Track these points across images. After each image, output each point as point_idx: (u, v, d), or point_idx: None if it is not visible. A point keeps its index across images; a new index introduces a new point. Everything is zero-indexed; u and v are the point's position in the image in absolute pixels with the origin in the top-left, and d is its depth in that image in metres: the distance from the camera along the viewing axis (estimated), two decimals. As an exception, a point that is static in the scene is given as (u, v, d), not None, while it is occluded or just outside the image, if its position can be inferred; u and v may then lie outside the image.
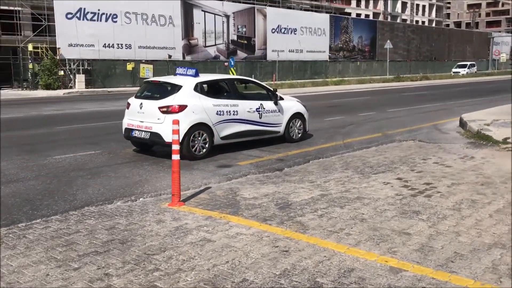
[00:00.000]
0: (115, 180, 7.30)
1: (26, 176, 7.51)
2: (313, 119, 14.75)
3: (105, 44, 33.23)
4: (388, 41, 44.37)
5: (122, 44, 34.12)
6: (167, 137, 8.39)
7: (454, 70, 57.58)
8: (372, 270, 3.97)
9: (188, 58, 38.21)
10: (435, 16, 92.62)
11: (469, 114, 14.02)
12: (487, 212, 5.46)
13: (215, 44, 40.01)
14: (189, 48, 38.26)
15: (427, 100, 22.00)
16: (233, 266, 4.06)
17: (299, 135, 10.53)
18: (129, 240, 4.72)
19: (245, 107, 9.39)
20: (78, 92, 29.81)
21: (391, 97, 22.50)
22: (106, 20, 33.27)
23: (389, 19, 74.21)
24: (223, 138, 9.09)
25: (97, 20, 32.83)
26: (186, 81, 8.81)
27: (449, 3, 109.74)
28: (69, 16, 31.43)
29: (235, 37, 41.62)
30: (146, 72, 34.22)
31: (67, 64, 32.35)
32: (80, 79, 32.10)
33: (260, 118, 9.68)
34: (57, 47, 31.30)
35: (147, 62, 34.71)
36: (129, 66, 34.09)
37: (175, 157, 6.09)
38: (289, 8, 53.30)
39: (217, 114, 8.88)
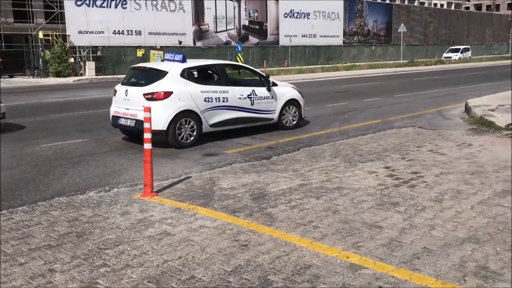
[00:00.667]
0: (94, 169, 7.15)
1: (7, 165, 7.40)
2: (314, 105, 14.50)
3: (114, 30, 33.07)
4: (402, 24, 43.34)
5: (132, 31, 33.93)
6: (154, 125, 8.11)
7: (445, 54, 52.41)
8: (330, 267, 3.73)
9: (199, 44, 37.90)
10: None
11: (476, 99, 13.53)
12: (469, 204, 5.16)
13: (226, 30, 39.57)
14: (200, 34, 37.92)
15: (438, 85, 21.41)
16: (184, 262, 3.87)
17: (294, 122, 10.24)
18: (87, 233, 4.56)
19: (236, 93, 9.14)
20: (88, 79, 29.83)
21: (401, 82, 21.96)
22: (116, 6, 33.07)
23: (406, 2, 72.65)
24: (212, 125, 8.87)
25: (107, 7, 32.65)
26: (173, 67, 8.59)
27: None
28: (79, 3, 31.31)
29: (246, 22, 41.09)
30: (157, 58, 33.99)
31: (77, 52, 32.37)
32: (90, 66, 32.10)
33: (252, 105, 9.42)
34: (67, 34, 31.28)
35: (157, 48, 34.51)
36: (139, 53, 33.94)
37: (147, 146, 5.93)
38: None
39: (205, 101, 8.65)
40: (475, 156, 7.43)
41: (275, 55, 43.02)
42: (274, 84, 9.92)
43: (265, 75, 9.90)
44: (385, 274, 3.60)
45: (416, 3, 75.21)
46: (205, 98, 8.64)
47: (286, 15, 43.83)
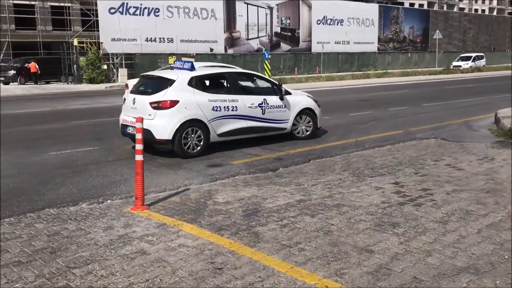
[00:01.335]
0: (94, 179, 7.02)
1: (10, 173, 7.37)
2: (336, 114, 14.10)
3: (147, 38, 33.48)
4: (438, 31, 42.13)
5: (164, 38, 34.28)
6: (158, 134, 8.08)
7: (454, 63, 46.84)
8: (304, 297, 3.41)
9: (230, 51, 37.95)
10: (496, 4, 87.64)
11: (507, 109, 12.79)
12: (477, 227, 4.71)
13: (258, 37, 39.48)
14: (231, 41, 37.97)
15: (471, 93, 20.55)
16: (150, 286, 3.61)
17: (308, 132, 9.88)
18: (62, 249, 4.38)
19: (246, 102, 8.88)
20: (120, 86, 30.23)
21: (432, 91, 21.20)
22: (148, 14, 33.50)
23: (445, 8, 70.88)
24: (220, 135, 8.63)
25: (140, 15, 33.10)
26: (180, 75, 8.41)
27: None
28: (112, 11, 31.87)
29: (278, 29, 40.89)
30: (188, 65, 34.22)
31: (110, 58, 32.92)
32: (123, 73, 32.55)
33: (263, 114, 9.14)
34: (100, 41, 31.86)
35: (190, 56, 34.70)
36: (171, 60, 34.06)
37: (138, 157, 5.73)
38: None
39: (213, 110, 8.43)
40: (495, 172, 6.90)
41: (307, 62, 42.63)
42: (288, 93, 9.61)
43: (277, 83, 9.60)
44: (363, 308, 3.25)
45: (455, 9, 73.30)
46: (213, 107, 8.42)
47: (319, 22, 43.42)
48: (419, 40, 52.97)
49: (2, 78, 32.59)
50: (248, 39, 38.89)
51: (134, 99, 8.49)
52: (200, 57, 35.69)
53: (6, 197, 6.14)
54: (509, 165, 7.35)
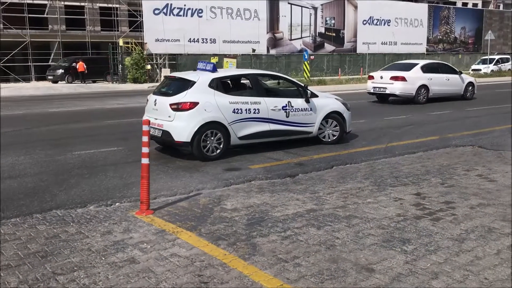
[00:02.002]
0: (109, 181, 6.98)
1: (30, 172, 7.46)
2: (372, 117, 13.63)
3: (190, 39, 33.81)
4: (490, 31, 40.23)
5: (206, 39, 34.51)
6: (177, 136, 7.97)
7: (474, 66, 42.53)
8: (286, 320, 3.15)
9: (272, 51, 37.76)
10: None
11: (556, 115, 11.93)
12: (496, 247, 4.29)
13: (301, 37, 39.08)
14: (274, 42, 37.76)
15: (522, 97, 19.42)
16: (128, 298, 3.46)
17: (335, 137, 9.51)
18: (55, 253, 4.30)
19: (269, 105, 8.64)
20: (162, 86, 30.65)
21: (479, 94, 20.14)
22: (192, 15, 33.82)
23: (501, 8, 67.82)
24: (241, 138, 8.43)
25: (183, 15, 33.47)
26: (201, 77, 8.28)
27: None
28: (156, 12, 32.37)
29: (322, 30, 40.33)
30: (230, 66, 34.28)
31: (154, 59, 33.45)
32: (166, 73, 32.98)
33: (287, 117, 8.87)
34: (144, 42, 32.41)
35: (231, 56, 34.78)
36: (213, 60, 34.31)
37: (144, 161, 5.61)
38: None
39: (233, 112, 8.24)
40: (531, 185, 6.36)
41: (351, 63, 41.85)
42: (314, 95, 9.29)
43: (303, 85, 9.30)
44: (347, 336, 2.96)
45: (512, 9, 69.94)
46: (234, 109, 8.23)
47: (365, 22, 42.54)
48: (471, 41, 50.96)
49: (51, 77, 33.79)
50: (291, 39, 38.58)
51: (156, 100, 8.43)
52: (242, 58, 35.78)
53: (20, 197, 6.18)
54: (548, 177, 6.78)
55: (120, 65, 33.82)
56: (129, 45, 33.78)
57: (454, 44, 49.66)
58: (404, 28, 45.28)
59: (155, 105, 8.41)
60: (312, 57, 39.69)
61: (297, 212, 5.41)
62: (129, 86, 29.99)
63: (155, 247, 4.41)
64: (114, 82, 33.38)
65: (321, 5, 39.86)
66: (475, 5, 67.06)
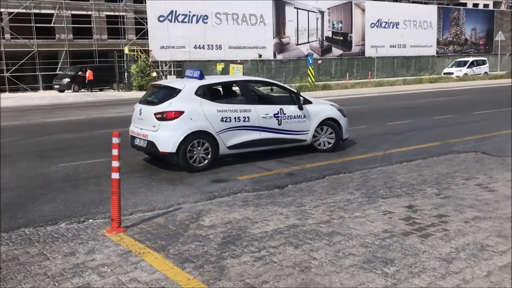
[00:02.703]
0: (87, 195, 6.69)
1: (9, 186, 7.20)
2: (373, 122, 13.22)
3: (195, 45, 33.65)
4: (500, 32, 39.54)
5: (212, 45, 34.32)
6: (162, 146, 7.67)
7: (446, 69, 39.23)
8: None
9: (279, 56, 37.45)
10: None
11: None
12: (487, 268, 3.89)
13: (308, 42, 38.72)
14: (281, 47, 37.47)
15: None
16: (70, 333, 3.12)
17: (330, 144, 9.13)
18: (7, 279, 3.99)
19: (260, 112, 8.30)
20: (167, 93, 30.47)
21: (487, 97, 19.60)
22: (197, 21, 33.67)
23: (513, 8, 66.74)
24: (230, 147, 8.10)
25: (188, 22, 33.33)
26: (187, 85, 7.97)
27: None
28: (161, 19, 32.28)
29: (330, 34, 39.95)
30: (236, 72, 34.01)
31: (159, 66, 33.33)
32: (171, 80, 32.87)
33: (280, 124, 8.52)
34: (149, 49, 32.30)
35: (237, 62, 34.54)
36: (219, 67, 34.14)
37: (115, 175, 5.30)
38: (396, 1, 50.17)
39: (222, 121, 7.91)
40: (533, 195, 5.93)
41: (360, 67, 41.38)
42: (308, 102, 8.93)
43: (296, 91, 8.95)
44: None
45: (524, 9, 68.83)
46: (222, 117, 7.90)
47: (373, 25, 42.09)
48: (482, 43, 50.16)
49: (57, 86, 33.80)
50: (298, 44, 38.27)
51: (141, 109, 8.14)
52: (248, 63, 35.54)
53: (-11, 214, 5.91)
54: (552, 186, 6.33)
55: (126, 73, 33.75)
56: (135, 53, 33.70)
57: (464, 46, 48.93)
58: (413, 30, 44.72)
59: (140, 114, 8.12)
60: (319, 61, 39.35)
61: (277, 229, 5.04)
62: (135, 94, 29.79)
63: (115, 271, 4.08)
64: (120, 90, 33.29)
65: (328, 9, 39.53)
66: (486, 6, 66.17)
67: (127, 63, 33.66)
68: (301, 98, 8.73)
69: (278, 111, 8.50)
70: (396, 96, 23.27)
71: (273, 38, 36.96)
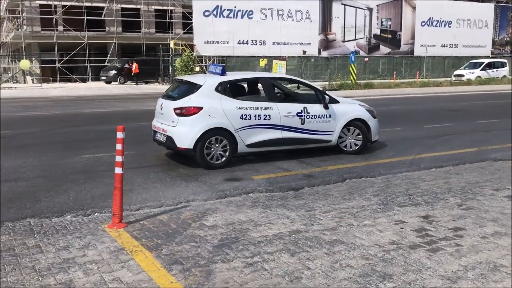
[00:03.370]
0: (99, 188, 6.69)
1: (27, 176, 7.31)
2: (411, 125, 12.73)
3: (239, 40, 33.62)
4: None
5: (256, 41, 34.19)
6: (180, 142, 7.58)
7: (457, 72, 34.89)
8: None
9: (324, 53, 36.87)
10: None
11: None
12: (494, 292, 3.53)
13: (355, 39, 37.89)
14: (326, 44, 36.85)
15: None
16: (35, 332, 3.05)
17: (357, 146, 8.77)
18: (-5, 270, 3.99)
19: (282, 111, 8.06)
20: (209, 88, 30.62)
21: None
22: (242, 17, 33.60)
23: None
24: (250, 146, 7.91)
25: (233, 17, 33.32)
26: (208, 80, 7.84)
27: None
28: (206, 13, 32.41)
29: (378, 31, 38.94)
30: (279, 68, 33.79)
31: (203, 61, 33.54)
32: (215, 74, 32.98)
33: (303, 124, 8.25)
34: (194, 44, 32.54)
35: (281, 58, 34.26)
36: (262, 63, 33.98)
37: (118, 170, 5.24)
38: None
39: (241, 118, 7.73)
40: None
41: (408, 66, 40.17)
42: (334, 101, 8.61)
43: (321, 90, 8.64)
44: None
45: None
46: (242, 115, 7.73)
47: (423, 23, 40.71)
48: (543, 44, 47.49)
49: (104, 78, 34.68)
50: (344, 41, 37.51)
51: (162, 104, 8.09)
52: (292, 59, 35.20)
53: (3, 202, 5.98)
54: None
55: (171, 67, 34.17)
56: (180, 47, 34.05)
57: (523, 47, 46.50)
58: (467, 29, 42.93)
59: (161, 109, 8.07)
60: (366, 59, 38.48)
61: (279, 233, 4.83)
62: (177, 88, 30.14)
63: (101, 269, 4.00)
64: (164, 84, 33.75)
65: (377, 6, 38.54)
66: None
67: (172, 57, 34.04)
68: (327, 97, 8.43)
69: (301, 110, 8.24)
70: (441, 98, 22.36)
71: (319, 34, 36.40)
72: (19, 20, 40.23)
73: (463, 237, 4.67)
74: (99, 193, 6.46)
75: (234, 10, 33.26)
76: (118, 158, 5.25)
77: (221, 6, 32.75)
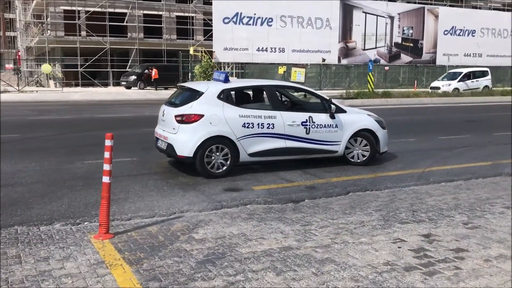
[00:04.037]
0: (95, 195, 6.54)
1: (26, 181, 7.24)
2: (425, 136, 12.36)
3: (258, 47, 33.51)
4: None
5: (275, 48, 34.03)
6: (179, 150, 7.42)
7: (434, 84, 32.28)
8: None
9: (344, 61, 36.52)
10: None
11: None
12: (489, 324, 3.24)
13: (376, 47, 37.42)
14: (346, 52, 36.48)
15: None
16: None
17: (364, 158, 8.49)
18: (-33, 281, 3.85)
19: (286, 119, 7.84)
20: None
21: None
22: (261, 24, 33.51)
23: None
24: (252, 155, 7.70)
25: (253, 24, 33.25)
26: (210, 88, 7.68)
27: None
28: (226, 20, 32.42)
29: (399, 40, 38.39)
30: (298, 76, 33.63)
31: (222, 67, 33.53)
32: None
33: (308, 133, 8.01)
34: (213, 50, 32.56)
35: (300, 65, 34.06)
36: (281, 70, 33.87)
37: (105, 179, 5.10)
38: (474, 7, 47.51)
39: (243, 126, 7.53)
40: None
41: (430, 75, 39.47)
42: (341, 110, 8.35)
43: (328, 98, 8.39)
44: None
45: None
46: (244, 123, 7.53)
47: (446, 32, 40.00)
48: None
49: (124, 83, 34.95)
50: (364, 49, 37.09)
51: (164, 110, 7.96)
52: (311, 67, 34.97)
53: (-7, 209, 5.90)
54: None
55: (190, 73, 34.25)
56: (199, 53, 34.13)
57: (550, 57, 45.23)
58: (491, 39, 42.04)
59: (163, 116, 7.94)
60: (386, 68, 37.99)
61: (268, 249, 4.60)
62: (195, 94, 30.16)
63: (76, 284, 3.83)
64: (182, 89, 33.80)
65: (398, 14, 38.06)
66: None
67: (191, 64, 34.13)
68: (333, 106, 8.17)
69: (306, 119, 8.00)
70: (460, 108, 21.81)
71: (339, 42, 36.07)
72: (43, 25, 40.99)
73: (464, 259, 4.37)
74: (93, 200, 6.32)
75: (254, 17, 33.20)
76: (106, 167, 5.12)
77: (241, 13, 32.73)
